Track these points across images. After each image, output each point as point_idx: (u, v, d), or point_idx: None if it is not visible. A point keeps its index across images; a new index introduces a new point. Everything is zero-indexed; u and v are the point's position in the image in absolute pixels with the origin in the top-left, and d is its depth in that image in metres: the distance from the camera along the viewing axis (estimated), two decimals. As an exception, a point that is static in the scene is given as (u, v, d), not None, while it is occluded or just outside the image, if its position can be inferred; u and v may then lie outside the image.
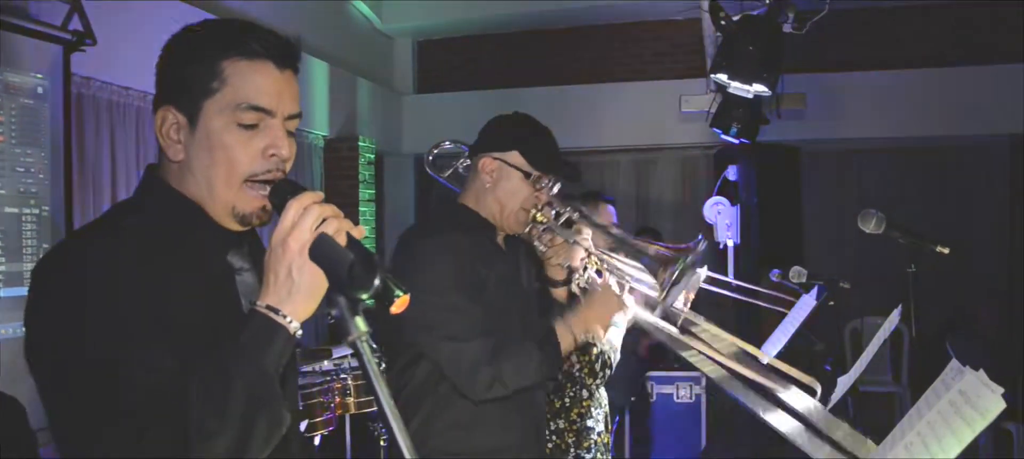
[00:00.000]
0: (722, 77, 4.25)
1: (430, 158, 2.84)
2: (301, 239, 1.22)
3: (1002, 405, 1.65)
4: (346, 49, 7.45)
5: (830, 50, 6.26)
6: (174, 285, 1.32)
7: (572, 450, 3.06)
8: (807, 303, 3.90)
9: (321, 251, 1.17)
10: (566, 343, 2.28)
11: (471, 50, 8.27)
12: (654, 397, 6.02)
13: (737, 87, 4.25)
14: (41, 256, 1.36)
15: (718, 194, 5.13)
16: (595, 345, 3.08)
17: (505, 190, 2.33)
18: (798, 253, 5.26)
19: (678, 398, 5.98)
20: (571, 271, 2.45)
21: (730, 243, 5.07)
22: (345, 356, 4.04)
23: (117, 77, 4.96)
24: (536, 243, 2.43)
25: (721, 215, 5.04)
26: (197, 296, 1.35)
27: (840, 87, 6.42)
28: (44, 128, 4.17)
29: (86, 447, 1.22)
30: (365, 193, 7.34)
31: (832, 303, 3.67)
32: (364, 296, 1.05)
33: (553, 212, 2.39)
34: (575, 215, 2.40)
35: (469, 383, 2.19)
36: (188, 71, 1.38)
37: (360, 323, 1.04)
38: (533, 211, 2.35)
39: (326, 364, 4.06)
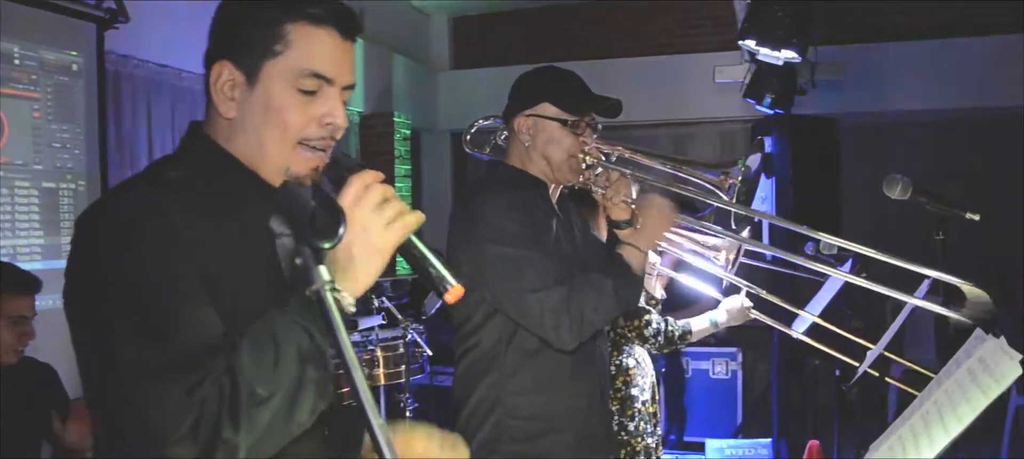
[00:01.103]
0: (750, 43, 4.16)
1: (468, 138, 2.84)
2: (362, 218, 1.23)
3: (1019, 371, 1.59)
4: (381, 25, 7.45)
5: (870, 18, 6.11)
6: (217, 243, 1.30)
7: (615, 417, 3.04)
8: (839, 278, 3.81)
9: (284, 197, 1.19)
10: (635, 260, 2.28)
11: (507, 25, 8.22)
12: (689, 373, 5.98)
13: (766, 54, 4.16)
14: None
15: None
16: (651, 313, 3.09)
17: (546, 143, 2.33)
18: (836, 226, 5.15)
19: (714, 374, 5.93)
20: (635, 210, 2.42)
21: (766, 215, 4.98)
22: (371, 327, 4.06)
23: (154, 55, 5.03)
24: (593, 188, 2.42)
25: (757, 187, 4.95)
26: (239, 257, 1.33)
27: (880, 56, 6.24)
28: (79, 105, 4.25)
29: (128, 405, 1.18)
30: (401, 169, 7.36)
31: (864, 274, 3.57)
32: (326, 246, 1.03)
33: (602, 153, 2.38)
34: (626, 152, 2.39)
35: (554, 332, 2.18)
36: (251, 30, 1.36)
37: (323, 273, 1.02)
38: (582, 155, 2.33)
39: (355, 335, 4.09)
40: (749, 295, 3.29)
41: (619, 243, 2.37)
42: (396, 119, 7.27)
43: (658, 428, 3.24)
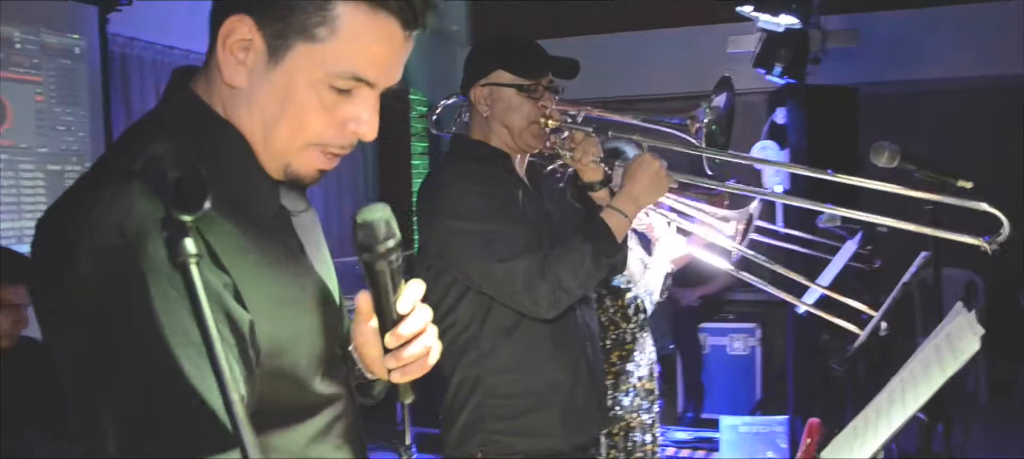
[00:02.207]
0: (747, 9, 4.03)
1: (433, 118, 2.80)
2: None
3: (976, 347, 1.51)
4: (397, 2, 7.40)
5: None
6: (228, 239, 1.08)
7: (609, 392, 2.99)
8: (848, 250, 3.72)
9: (146, 171, 1.05)
10: (616, 223, 2.20)
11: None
12: (707, 349, 5.88)
13: (766, 20, 4.03)
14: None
15: (766, 138, 4.92)
16: (629, 290, 3.02)
17: (504, 111, 2.27)
18: (854, 199, 5.00)
19: (732, 350, 5.84)
20: (607, 170, 2.37)
21: (779, 189, 4.87)
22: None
23: (160, 37, 5.03)
24: (561, 153, 2.37)
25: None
26: (257, 248, 1.12)
27: (897, 23, 6.04)
28: (83, 88, 4.28)
29: (99, 446, 0.98)
30: (418, 147, 7.33)
31: (869, 247, 3.48)
32: (187, 218, 0.94)
33: (564, 116, 2.33)
34: (592, 112, 2.35)
35: (530, 301, 2.13)
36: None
37: (189, 246, 0.95)
38: (543, 120, 2.27)
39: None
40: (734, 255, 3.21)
41: (597, 208, 2.31)
42: (412, 96, 7.23)
43: (655, 405, 3.19)
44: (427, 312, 1.19)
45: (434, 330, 1.21)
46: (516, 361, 2.26)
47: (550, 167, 2.59)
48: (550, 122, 2.28)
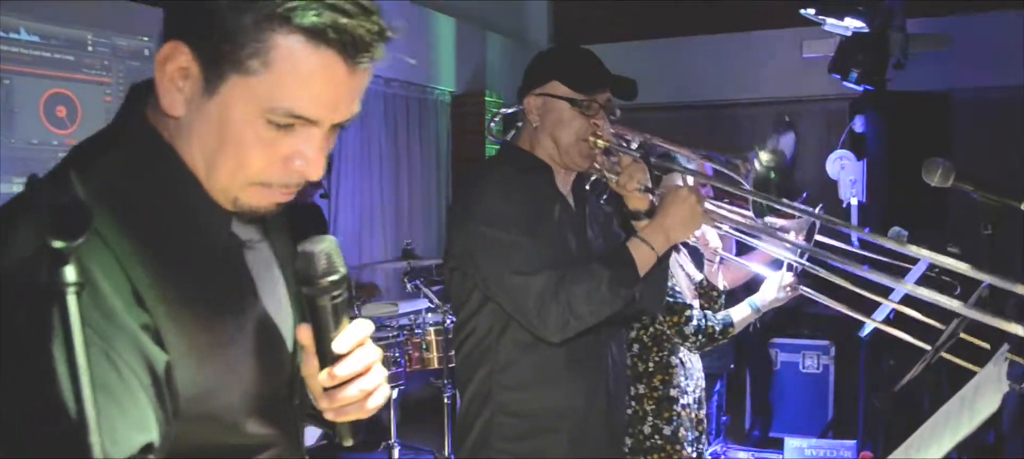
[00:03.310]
0: (810, 12, 3.81)
1: (491, 126, 2.74)
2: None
3: (994, 407, 1.35)
4: (475, 4, 7.40)
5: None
6: (160, 275, 1.03)
7: (650, 418, 2.84)
8: (918, 270, 3.48)
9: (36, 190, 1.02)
10: (642, 256, 2.09)
11: (608, 1, 7.99)
12: (778, 366, 5.64)
13: (832, 23, 3.80)
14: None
15: (843, 147, 4.68)
16: (691, 308, 2.85)
17: (554, 124, 2.18)
18: (941, 214, 4.70)
19: (804, 368, 5.58)
20: (654, 200, 2.25)
21: (854, 202, 4.61)
22: (420, 310, 4.02)
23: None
24: (608, 175, 2.26)
25: (845, 170, 4.58)
26: (192, 284, 1.07)
27: (993, 25, 5.65)
28: (152, 89, 4.39)
29: None
30: (492, 149, 7.30)
31: (935, 271, 3.23)
32: (61, 245, 0.91)
33: (618, 139, 2.23)
34: (642, 137, 2.22)
35: (539, 321, 2.05)
36: (225, 20, 1.00)
37: (69, 273, 0.91)
38: (593, 140, 2.18)
39: (403, 319, 4.06)
40: (793, 270, 3.02)
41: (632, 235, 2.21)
42: (487, 98, 7.21)
43: (705, 436, 2.99)
44: (371, 353, 1.13)
45: (379, 373, 1.14)
46: (530, 379, 2.18)
47: (594, 177, 2.49)
48: (599, 141, 2.19)
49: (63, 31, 4.05)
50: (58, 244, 0.88)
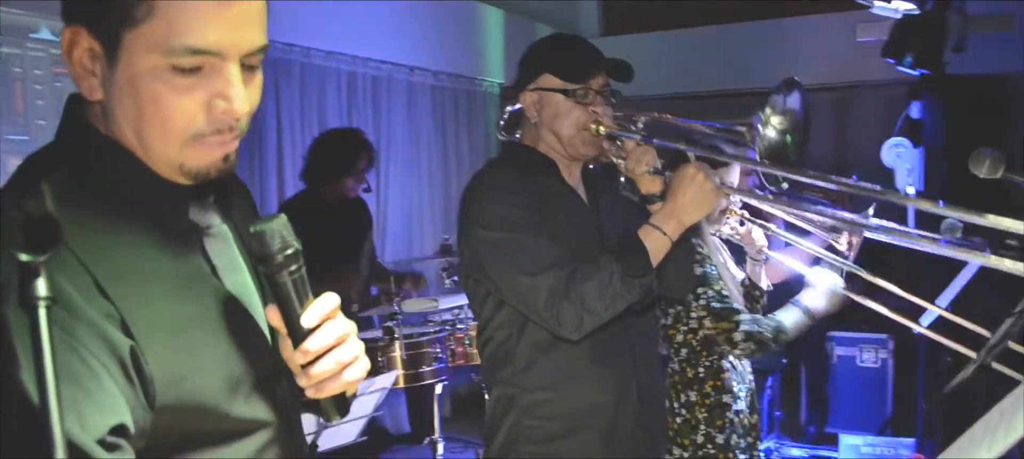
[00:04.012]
0: (860, -8, 3.67)
1: (502, 123, 2.71)
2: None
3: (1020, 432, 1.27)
4: (524, -6, 7.36)
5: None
6: (119, 265, 1.04)
7: (702, 427, 2.73)
8: (973, 265, 3.34)
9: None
10: (654, 243, 2.03)
11: (660, -12, 7.87)
12: (834, 360, 5.49)
13: (880, 6, 3.66)
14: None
15: (899, 135, 4.52)
16: (740, 313, 2.70)
17: (553, 117, 2.15)
18: (1000, 204, 4.50)
19: (862, 362, 5.42)
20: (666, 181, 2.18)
21: (911, 190, 4.45)
22: (462, 305, 4.01)
23: (281, 35, 5.16)
24: (616, 160, 2.22)
25: (900, 158, 4.43)
26: (152, 269, 1.08)
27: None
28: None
29: None
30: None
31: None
32: (26, 258, 0.90)
33: (625, 122, 2.18)
34: (652, 115, 2.17)
35: (553, 320, 2.02)
36: None
37: (40, 287, 0.91)
38: (594, 127, 2.14)
39: (445, 314, 4.06)
40: (850, 277, 2.89)
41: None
42: (536, 90, 7.16)
43: (758, 444, 2.86)
44: (342, 325, 1.14)
45: (354, 345, 1.15)
46: (553, 379, 2.14)
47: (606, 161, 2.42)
48: (601, 128, 2.15)
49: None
50: (26, 258, 0.88)
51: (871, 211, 2.64)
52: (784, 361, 5.12)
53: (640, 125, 2.20)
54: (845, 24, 5.59)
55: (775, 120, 2.06)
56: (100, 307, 1.01)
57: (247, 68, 1.08)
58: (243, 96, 1.07)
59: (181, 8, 1.01)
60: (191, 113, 1.05)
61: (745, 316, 2.71)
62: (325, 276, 3.51)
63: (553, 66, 2.15)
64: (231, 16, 1.04)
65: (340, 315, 1.14)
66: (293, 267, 1.08)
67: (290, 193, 5.08)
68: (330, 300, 1.12)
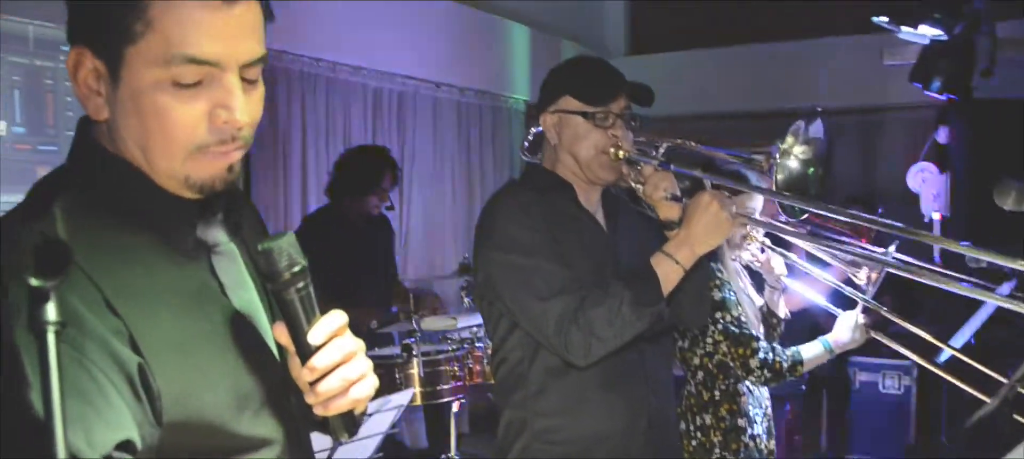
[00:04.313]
0: (883, 20, 3.63)
1: (526, 145, 2.72)
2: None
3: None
4: (550, 12, 7.37)
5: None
6: (128, 282, 1.06)
7: (717, 450, 2.72)
8: (999, 295, 3.29)
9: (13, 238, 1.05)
10: (666, 271, 2.03)
11: (686, 8, 7.86)
12: (856, 385, 5.43)
13: (907, 32, 3.62)
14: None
15: (925, 159, 4.47)
16: (758, 340, 2.70)
17: (572, 140, 2.15)
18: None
19: (884, 388, 5.35)
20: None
21: (936, 216, 4.40)
22: (480, 324, 4.00)
23: (308, 49, 5.21)
24: (634, 185, 2.21)
25: (926, 184, 4.38)
26: (161, 286, 1.10)
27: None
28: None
29: None
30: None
31: (1020, 295, 3.04)
32: (36, 282, 0.92)
33: (646, 147, 2.18)
34: (674, 142, 2.16)
35: (562, 346, 2.03)
36: (103, 4, 1.06)
37: (50, 311, 0.92)
38: (613, 151, 2.13)
39: (464, 332, 4.06)
40: (868, 311, 2.87)
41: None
42: (562, 107, 7.16)
43: None
44: (349, 343, 1.14)
45: (362, 363, 1.16)
46: (565, 405, 2.14)
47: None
48: (620, 152, 2.14)
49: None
50: (36, 282, 0.89)
51: (893, 247, 2.64)
52: (804, 387, 5.07)
53: (661, 151, 2.20)
54: (872, 47, 5.54)
55: (797, 150, 2.05)
56: (109, 323, 1.03)
57: (247, 81, 1.11)
58: (243, 106, 1.09)
59: (178, 21, 1.04)
60: (193, 124, 1.08)
61: (763, 343, 2.71)
62: (345, 291, 3.56)
63: (573, 88, 2.15)
64: (228, 26, 1.06)
65: (348, 332, 1.14)
66: (300, 284, 1.09)
67: (313, 206, 5.11)
68: (337, 318, 1.12)
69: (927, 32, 3.64)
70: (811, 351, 2.76)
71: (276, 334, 1.14)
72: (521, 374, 2.16)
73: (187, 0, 1.04)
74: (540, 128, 2.44)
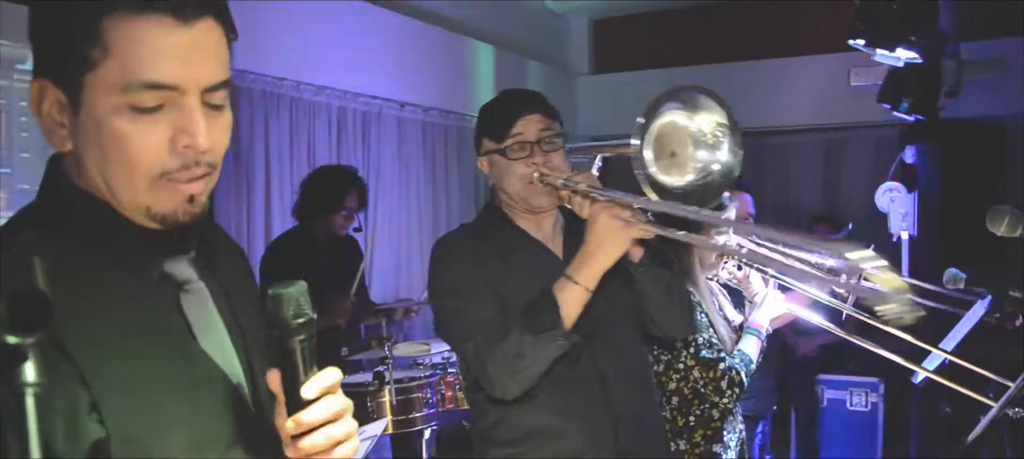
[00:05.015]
0: (859, 43, 3.66)
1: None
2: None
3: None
4: (514, 32, 7.36)
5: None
6: (82, 319, 1.02)
7: None
8: (974, 314, 3.31)
9: None
10: (568, 296, 1.98)
11: (650, 27, 7.89)
12: (824, 403, 5.45)
13: (882, 54, 3.66)
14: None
15: (893, 179, 4.51)
16: (724, 361, 2.69)
17: (499, 177, 2.18)
18: (994, 250, 4.49)
19: (852, 406, 5.38)
20: None
21: (905, 235, 4.44)
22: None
23: (271, 69, 5.12)
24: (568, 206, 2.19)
25: (895, 203, 4.41)
26: (121, 322, 1.06)
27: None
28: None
29: None
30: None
31: (997, 316, 3.07)
32: (13, 340, 0.83)
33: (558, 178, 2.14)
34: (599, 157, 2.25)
35: (490, 385, 2.06)
36: (60, 33, 1.04)
37: (28, 372, 0.84)
38: (537, 176, 2.10)
39: (436, 357, 3.98)
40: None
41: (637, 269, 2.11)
42: (526, 127, 7.13)
43: None
44: (340, 401, 1.11)
45: (348, 423, 1.12)
46: (520, 434, 2.14)
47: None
48: (547, 178, 2.11)
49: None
50: (13, 340, 0.81)
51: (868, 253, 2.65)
52: (775, 407, 5.08)
53: (598, 164, 2.23)
54: (840, 67, 5.60)
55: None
56: (67, 367, 0.99)
57: (211, 106, 1.07)
58: (205, 130, 1.05)
59: (134, 44, 1.02)
60: (154, 151, 1.04)
61: (725, 361, 2.70)
62: (320, 316, 3.44)
63: (484, 128, 2.20)
64: (186, 48, 1.03)
65: (340, 391, 1.12)
66: (303, 336, 1.07)
67: (277, 227, 5.02)
68: (331, 374, 1.09)
69: (902, 55, 3.67)
70: (752, 347, 2.78)
71: (269, 381, 1.09)
72: (475, 402, 2.21)
73: (143, 22, 1.01)
74: None
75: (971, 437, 2.48)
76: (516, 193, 2.14)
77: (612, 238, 1.96)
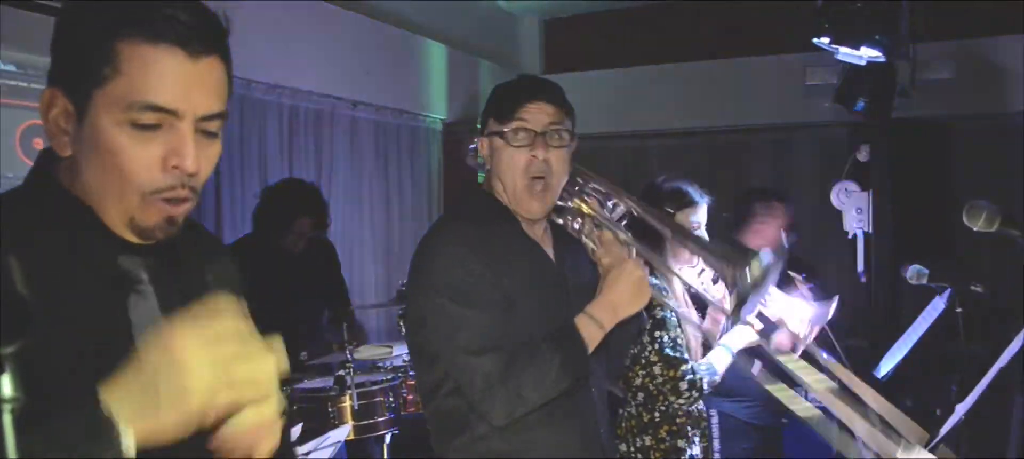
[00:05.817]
0: (824, 41, 3.69)
1: (468, 158, 2.59)
2: None
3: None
4: (467, 31, 7.30)
5: (985, 10, 5.46)
6: (52, 309, 1.07)
7: None
8: (935, 309, 3.37)
9: None
10: (589, 334, 1.94)
11: (601, 27, 7.89)
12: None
13: (846, 53, 3.70)
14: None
15: (846, 178, 4.56)
16: (687, 363, 2.74)
17: (500, 164, 2.01)
18: (946, 245, 4.60)
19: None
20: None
21: (860, 232, 4.50)
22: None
23: (266, 75, 5.09)
24: (586, 240, 2.09)
25: (849, 201, 4.47)
26: (67, 315, 1.11)
27: (996, 52, 5.56)
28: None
29: None
30: (482, 177, 7.17)
31: (959, 309, 3.13)
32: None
33: (602, 197, 2.07)
34: (628, 205, 2.05)
35: (485, 406, 1.90)
36: (77, 49, 1.14)
37: (4, 386, 0.77)
38: (593, 207, 2.06)
39: (397, 361, 3.91)
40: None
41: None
42: (479, 126, 7.07)
43: None
44: None
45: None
46: (511, 447, 1.98)
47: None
48: (597, 220, 2.05)
49: (41, 60, 3.86)
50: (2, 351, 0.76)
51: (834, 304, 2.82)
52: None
53: (619, 210, 2.08)
54: (794, 66, 5.65)
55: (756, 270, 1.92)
56: None
57: (205, 133, 1.15)
58: (194, 155, 1.13)
59: (143, 68, 1.11)
60: (147, 167, 1.13)
61: (688, 365, 2.76)
62: (274, 320, 3.32)
63: (491, 107, 2.04)
64: (190, 78, 1.12)
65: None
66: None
67: (227, 226, 4.91)
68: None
69: (866, 53, 3.71)
70: (721, 360, 2.82)
71: None
72: (462, 417, 1.99)
73: (154, 50, 1.11)
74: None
75: (935, 442, 2.50)
76: (509, 185, 2.00)
77: (642, 295, 2.00)
